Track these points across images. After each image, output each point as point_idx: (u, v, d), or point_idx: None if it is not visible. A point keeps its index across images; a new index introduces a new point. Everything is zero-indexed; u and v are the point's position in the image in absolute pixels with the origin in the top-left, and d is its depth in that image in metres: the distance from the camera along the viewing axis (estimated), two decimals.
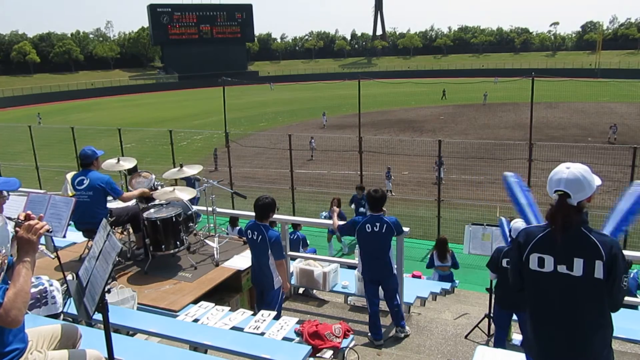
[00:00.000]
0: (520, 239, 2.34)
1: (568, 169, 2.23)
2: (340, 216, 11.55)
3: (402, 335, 4.90)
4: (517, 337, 4.81)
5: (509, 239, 4.47)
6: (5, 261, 2.18)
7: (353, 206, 12.10)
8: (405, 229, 4.92)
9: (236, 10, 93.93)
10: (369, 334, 4.90)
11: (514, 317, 4.56)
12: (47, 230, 2.31)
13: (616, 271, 2.16)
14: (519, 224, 4.37)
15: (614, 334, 2.30)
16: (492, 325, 4.98)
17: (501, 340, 4.54)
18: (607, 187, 14.20)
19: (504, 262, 4.36)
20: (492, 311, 4.97)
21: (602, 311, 2.25)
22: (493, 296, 4.86)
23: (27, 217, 2.31)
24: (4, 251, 2.19)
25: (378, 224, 4.69)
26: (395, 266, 4.95)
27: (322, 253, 9.46)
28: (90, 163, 5.41)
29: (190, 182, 10.37)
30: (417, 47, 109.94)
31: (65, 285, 4.03)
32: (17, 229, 2.29)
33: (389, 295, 4.92)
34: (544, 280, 2.26)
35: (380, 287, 4.92)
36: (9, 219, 2.38)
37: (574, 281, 2.20)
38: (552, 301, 2.27)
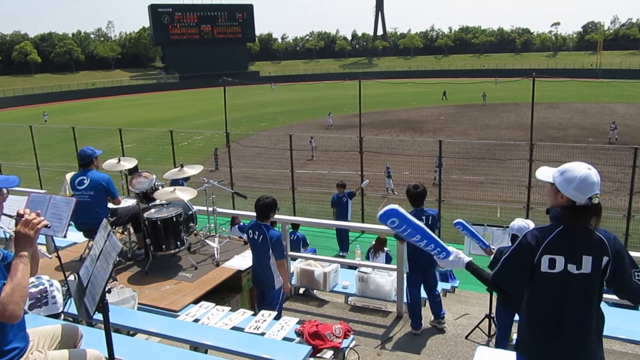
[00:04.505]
0: (531, 241, 2.26)
1: (590, 170, 2.20)
2: (351, 195, 11.71)
3: (442, 325, 5.11)
4: None
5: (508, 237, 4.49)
6: None
7: (334, 208, 11.77)
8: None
9: (237, 10, 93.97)
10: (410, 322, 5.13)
11: (516, 317, 4.56)
12: (45, 226, 2.30)
13: (624, 263, 2.20)
14: (519, 222, 4.37)
15: (615, 335, 2.30)
16: (493, 326, 4.98)
17: (503, 340, 4.54)
18: (608, 188, 14.20)
19: None
20: (492, 311, 4.97)
21: (598, 305, 2.30)
22: (495, 296, 4.85)
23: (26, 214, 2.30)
24: None
25: (424, 217, 4.83)
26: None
27: (323, 253, 9.45)
28: (90, 162, 5.40)
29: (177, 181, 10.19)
30: (418, 48, 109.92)
31: (65, 285, 4.03)
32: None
33: (429, 286, 5.17)
34: (553, 281, 2.25)
35: (424, 279, 5.15)
36: (9, 216, 2.38)
37: (583, 279, 2.21)
38: (560, 300, 2.27)
